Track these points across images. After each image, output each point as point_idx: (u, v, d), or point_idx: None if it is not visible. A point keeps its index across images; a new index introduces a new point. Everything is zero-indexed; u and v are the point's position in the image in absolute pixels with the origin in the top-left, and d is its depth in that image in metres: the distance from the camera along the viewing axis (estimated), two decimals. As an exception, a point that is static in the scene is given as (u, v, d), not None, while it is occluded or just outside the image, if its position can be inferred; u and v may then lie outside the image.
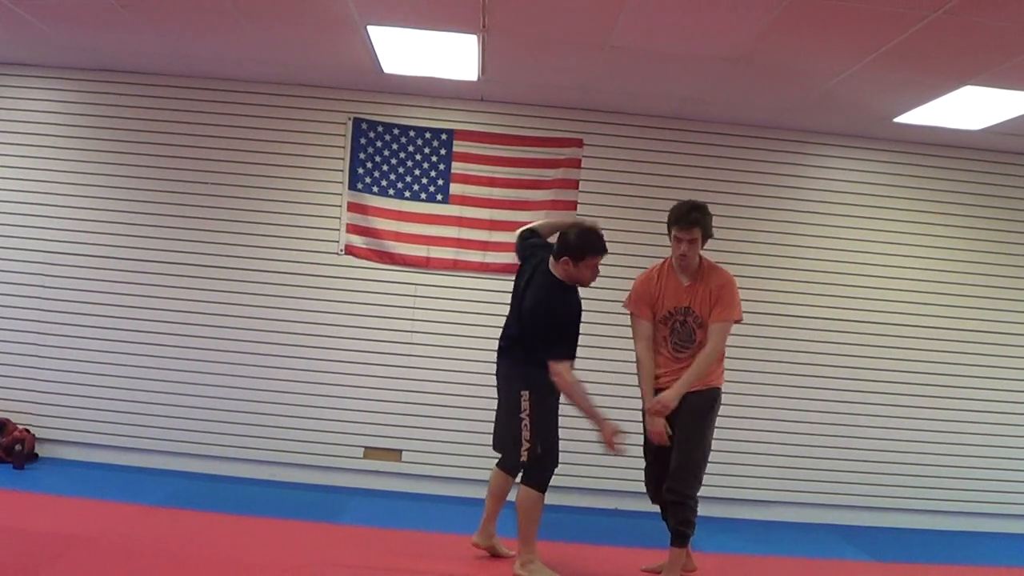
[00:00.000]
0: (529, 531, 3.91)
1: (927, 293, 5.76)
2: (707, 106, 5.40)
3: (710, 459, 3.99)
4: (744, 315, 4.02)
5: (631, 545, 4.75)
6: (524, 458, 3.90)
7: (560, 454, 3.99)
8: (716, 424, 3.99)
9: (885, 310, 5.73)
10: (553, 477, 3.97)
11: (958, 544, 5.45)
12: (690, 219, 3.83)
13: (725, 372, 4.05)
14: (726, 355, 4.05)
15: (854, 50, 4.14)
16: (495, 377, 4.18)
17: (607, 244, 3.98)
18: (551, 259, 3.98)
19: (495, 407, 4.21)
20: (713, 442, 3.99)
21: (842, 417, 5.70)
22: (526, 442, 3.87)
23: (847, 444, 5.70)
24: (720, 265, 4.04)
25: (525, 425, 3.88)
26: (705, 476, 3.97)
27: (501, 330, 4.17)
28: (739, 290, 3.95)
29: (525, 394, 3.88)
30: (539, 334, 3.86)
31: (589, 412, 3.84)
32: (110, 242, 5.63)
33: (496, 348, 4.17)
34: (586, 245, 3.89)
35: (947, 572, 4.84)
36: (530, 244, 4.21)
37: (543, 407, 3.91)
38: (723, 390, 4.01)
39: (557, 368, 3.79)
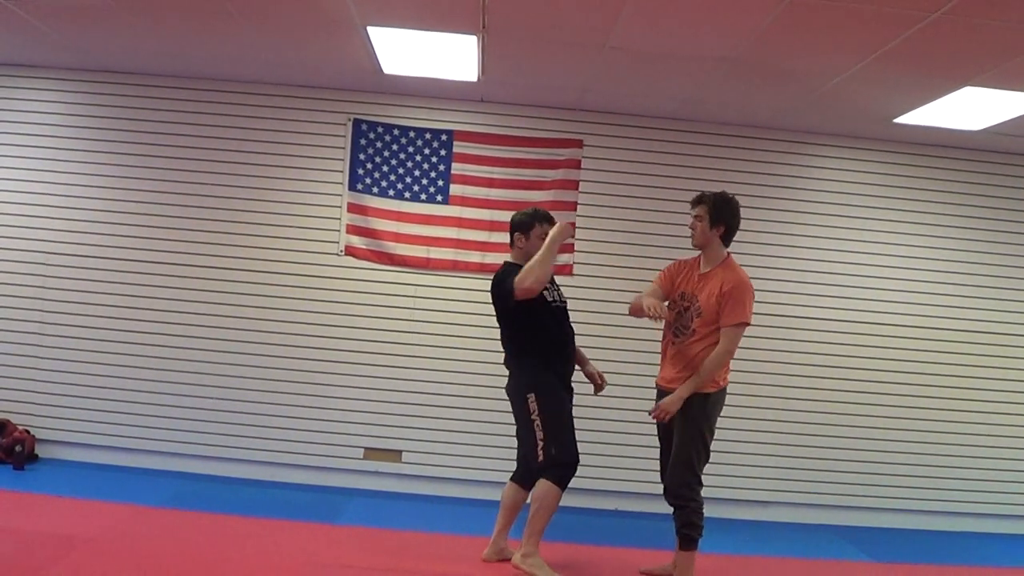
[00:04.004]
0: (539, 524, 3.92)
1: (925, 294, 5.76)
2: (707, 107, 5.40)
3: (710, 459, 3.99)
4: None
5: (632, 546, 4.76)
6: (540, 458, 3.92)
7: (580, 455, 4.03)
8: (714, 425, 3.98)
9: (883, 311, 5.73)
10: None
11: (956, 544, 5.46)
12: (698, 198, 4.05)
13: (726, 374, 4.03)
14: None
15: (854, 51, 4.15)
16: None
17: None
18: (510, 253, 4.20)
19: (502, 414, 4.25)
20: (712, 443, 3.99)
21: (839, 418, 5.70)
22: (540, 442, 3.91)
23: (845, 444, 5.71)
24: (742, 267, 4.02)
25: (537, 426, 3.92)
26: (703, 476, 3.96)
27: None
28: (752, 293, 3.91)
29: (531, 396, 3.93)
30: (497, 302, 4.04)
31: (549, 248, 3.95)
32: (110, 242, 5.63)
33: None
34: (532, 215, 4.14)
35: (945, 572, 4.85)
36: None
37: (550, 405, 3.95)
38: (726, 391, 4.01)
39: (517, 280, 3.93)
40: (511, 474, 4.21)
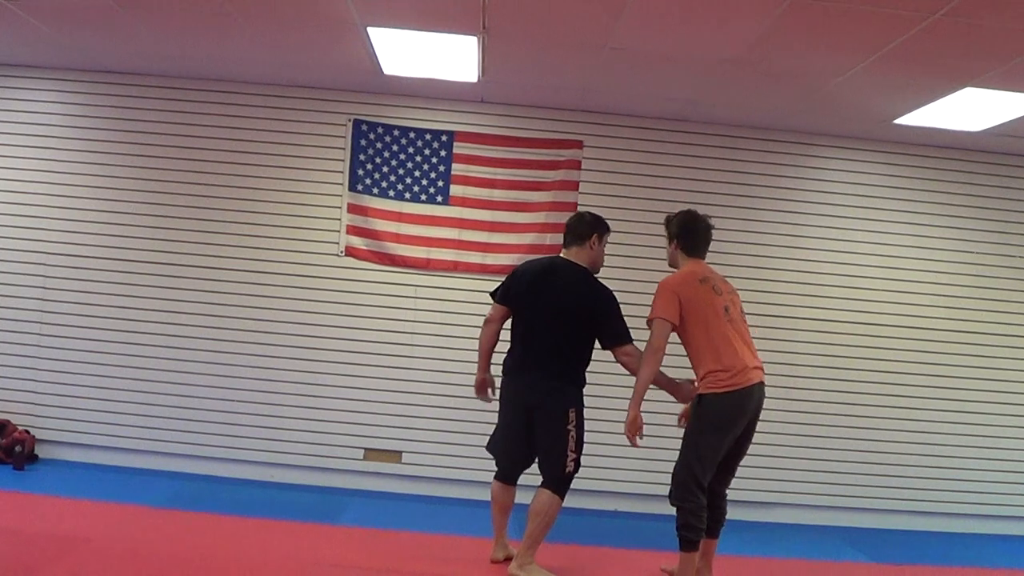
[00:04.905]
0: (539, 535, 3.95)
1: (927, 295, 5.76)
2: (708, 108, 5.40)
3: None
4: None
5: (632, 547, 4.75)
6: (570, 469, 3.99)
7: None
8: (714, 430, 3.93)
9: (885, 312, 5.73)
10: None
11: (957, 545, 5.46)
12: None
13: (719, 377, 3.95)
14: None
15: (855, 52, 4.15)
16: (502, 391, 4.18)
17: (605, 246, 4.16)
18: (572, 251, 4.12)
19: (495, 417, 4.23)
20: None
21: (840, 419, 5.70)
22: (571, 453, 3.99)
23: (848, 446, 5.70)
24: (679, 271, 4.04)
25: (572, 438, 3.99)
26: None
27: (513, 353, 4.14)
28: (667, 293, 3.84)
29: (573, 410, 4.01)
30: (605, 322, 3.98)
31: (666, 386, 4.00)
32: (110, 243, 5.62)
33: (504, 366, 4.18)
34: (604, 221, 4.19)
35: (946, 574, 4.85)
36: (520, 275, 4.21)
37: (582, 425, 4.05)
38: (723, 396, 3.94)
39: (630, 349, 3.96)
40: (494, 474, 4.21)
